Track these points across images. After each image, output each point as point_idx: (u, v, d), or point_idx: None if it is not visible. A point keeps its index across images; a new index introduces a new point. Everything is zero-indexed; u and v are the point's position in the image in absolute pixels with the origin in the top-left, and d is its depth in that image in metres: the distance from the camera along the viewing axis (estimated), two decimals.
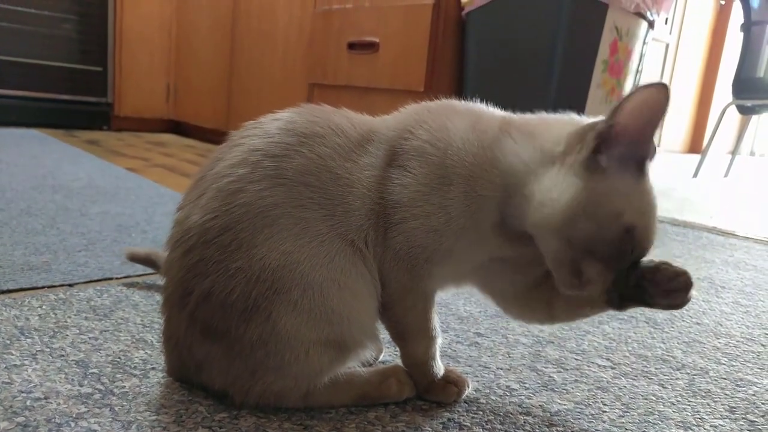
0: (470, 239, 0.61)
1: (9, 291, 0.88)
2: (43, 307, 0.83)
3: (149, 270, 1.01)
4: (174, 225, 0.63)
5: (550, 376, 0.77)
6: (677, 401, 0.73)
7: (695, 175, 3.47)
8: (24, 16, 2.97)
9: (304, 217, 0.58)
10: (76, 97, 3.19)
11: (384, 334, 0.68)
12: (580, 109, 1.69)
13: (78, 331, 0.77)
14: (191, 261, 0.59)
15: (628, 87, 1.84)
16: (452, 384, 0.68)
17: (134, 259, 0.99)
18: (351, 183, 0.60)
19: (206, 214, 0.59)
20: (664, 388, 0.77)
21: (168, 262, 0.63)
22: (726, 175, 3.67)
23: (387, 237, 0.61)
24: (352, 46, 2.16)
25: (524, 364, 0.80)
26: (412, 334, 0.65)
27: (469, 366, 0.78)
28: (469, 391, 0.69)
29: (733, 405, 0.74)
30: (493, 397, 0.70)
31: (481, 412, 0.66)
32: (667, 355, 0.87)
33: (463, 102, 0.68)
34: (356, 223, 0.60)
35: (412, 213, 0.60)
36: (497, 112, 0.67)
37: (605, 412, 0.69)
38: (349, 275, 0.60)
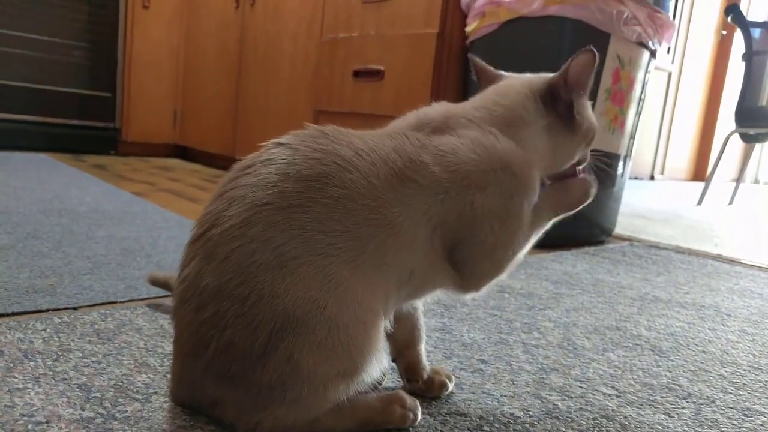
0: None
1: (14, 314, 0.88)
2: (47, 330, 0.83)
3: (153, 294, 1.02)
4: (182, 281, 0.60)
5: (554, 404, 0.76)
6: (684, 431, 0.72)
7: (699, 202, 3.46)
8: (36, 43, 3.03)
9: (327, 264, 0.57)
10: (84, 122, 3.23)
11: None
12: None
13: (81, 355, 0.76)
14: (205, 315, 0.57)
15: (630, 115, 1.86)
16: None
17: (155, 282, 1.00)
18: (381, 223, 0.59)
19: (222, 277, 0.56)
20: (670, 417, 0.76)
21: (178, 316, 0.61)
22: (730, 203, 3.67)
23: (462, 253, 0.66)
24: (357, 73, 2.19)
25: (528, 392, 0.79)
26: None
27: (473, 393, 0.77)
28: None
29: None
30: (496, 425, 0.69)
31: None
32: (673, 384, 0.86)
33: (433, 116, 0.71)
34: (394, 259, 0.61)
35: (492, 241, 0.66)
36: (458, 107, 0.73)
37: None
38: (375, 313, 0.60)
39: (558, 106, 0.72)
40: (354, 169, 0.60)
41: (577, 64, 0.70)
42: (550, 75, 0.74)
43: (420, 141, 0.66)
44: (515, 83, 0.75)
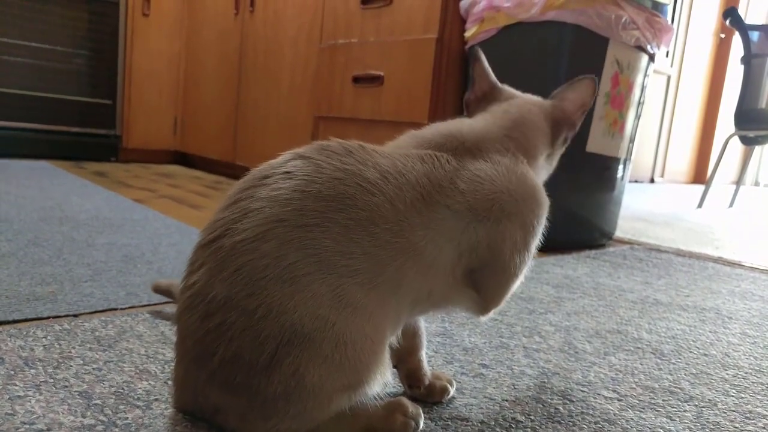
0: None
1: (14, 321, 0.89)
2: (48, 337, 0.83)
3: (153, 301, 1.02)
4: (189, 287, 0.59)
5: (556, 408, 0.76)
6: None
7: (700, 205, 3.47)
8: (38, 51, 3.04)
9: (340, 284, 0.57)
10: (85, 130, 3.24)
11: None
12: (582, 141, 1.71)
13: (82, 362, 0.77)
14: (212, 325, 0.57)
15: (630, 119, 1.86)
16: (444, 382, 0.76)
17: (158, 290, 1.00)
18: (403, 246, 0.59)
19: (232, 288, 0.56)
20: (672, 420, 0.76)
21: (182, 321, 0.60)
22: (731, 206, 3.67)
23: (482, 276, 0.67)
24: (357, 79, 2.20)
25: (530, 396, 0.79)
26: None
27: (474, 398, 0.77)
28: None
29: None
30: (498, 430, 0.69)
31: None
32: (675, 387, 0.86)
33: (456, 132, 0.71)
34: (412, 281, 0.61)
35: (513, 269, 0.68)
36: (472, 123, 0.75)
37: None
38: (383, 330, 0.60)
39: (557, 139, 0.80)
40: (379, 192, 0.60)
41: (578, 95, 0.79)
42: (555, 105, 0.80)
43: (452, 165, 0.66)
44: (532, 108, 0.79)
